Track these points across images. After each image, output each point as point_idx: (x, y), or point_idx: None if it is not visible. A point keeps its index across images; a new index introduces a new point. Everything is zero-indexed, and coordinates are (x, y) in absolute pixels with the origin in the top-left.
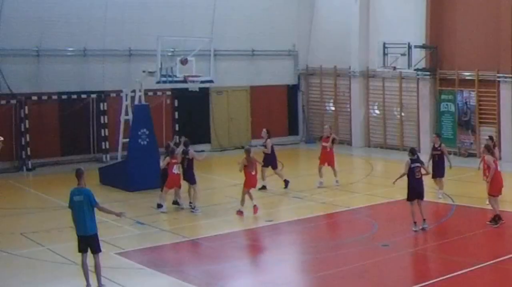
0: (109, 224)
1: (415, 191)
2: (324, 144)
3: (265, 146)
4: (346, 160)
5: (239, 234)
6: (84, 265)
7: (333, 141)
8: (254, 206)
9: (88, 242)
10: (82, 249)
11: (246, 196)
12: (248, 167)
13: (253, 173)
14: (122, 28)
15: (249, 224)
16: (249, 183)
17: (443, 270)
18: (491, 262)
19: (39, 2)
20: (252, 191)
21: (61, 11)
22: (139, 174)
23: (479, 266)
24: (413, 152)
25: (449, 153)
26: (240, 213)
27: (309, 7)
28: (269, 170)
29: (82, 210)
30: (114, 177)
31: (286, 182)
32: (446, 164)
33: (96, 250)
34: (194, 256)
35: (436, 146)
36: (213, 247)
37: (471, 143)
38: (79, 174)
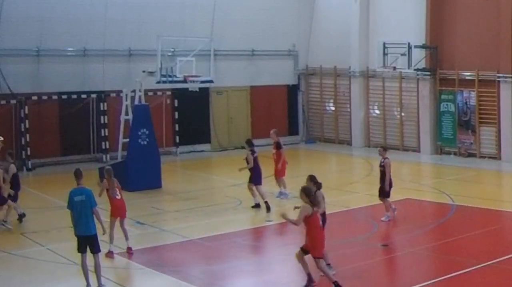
0: (108, 224)
1: None
2: (273, 151)
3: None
4: (346, 160)
5: (239, 234)
6: (84, 265)
7: (278, 147)
8: (128, 248)
9: (89, 242)
10: (81, 250)
11: (118, 228)
12: (110, 190)
13: (118, 197)
14: (122, 28)
15: (249, 224)
16: (117, 210)
17: (443, 270)
18: (491, 262)
19: (39, 2)
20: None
21: (61, 11)
22: (139, 174)
23: (479, 266)
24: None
25: (449, 153)
26: (110, 254)
27: (309, 7)
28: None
29: (84, 210)
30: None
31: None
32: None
33: (96, 250)
34: (194, 256)
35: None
36: (213, 247)
37: (471, 143)
38: (78, 174)
